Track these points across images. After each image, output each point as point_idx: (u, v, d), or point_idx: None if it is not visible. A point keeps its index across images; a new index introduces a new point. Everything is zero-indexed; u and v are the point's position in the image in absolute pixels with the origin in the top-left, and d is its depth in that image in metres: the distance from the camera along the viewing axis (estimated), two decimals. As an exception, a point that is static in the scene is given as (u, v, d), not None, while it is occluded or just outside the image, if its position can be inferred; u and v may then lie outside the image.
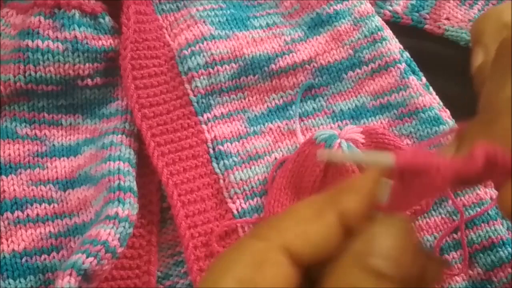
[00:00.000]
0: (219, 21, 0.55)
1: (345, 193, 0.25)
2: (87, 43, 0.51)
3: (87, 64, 0.51)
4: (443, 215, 0.48)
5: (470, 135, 0.26)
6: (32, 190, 0.49)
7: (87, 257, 0.41)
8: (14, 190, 0.48)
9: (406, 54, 0.54)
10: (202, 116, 0.52)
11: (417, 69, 0.54)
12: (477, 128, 0.25)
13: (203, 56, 0.52)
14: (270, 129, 0.52)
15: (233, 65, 0.53)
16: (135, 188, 0.47)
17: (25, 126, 0.51)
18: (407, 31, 0.59)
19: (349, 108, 0.53)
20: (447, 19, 0.59)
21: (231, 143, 0.51)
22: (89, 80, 0.52)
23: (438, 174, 0.24)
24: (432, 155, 0.25)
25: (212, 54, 0.52)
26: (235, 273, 0.23)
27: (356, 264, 0.23)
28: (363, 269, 0.22)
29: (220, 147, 0.50)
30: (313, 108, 0.53)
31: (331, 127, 0.52)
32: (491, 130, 0.25)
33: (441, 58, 0.58)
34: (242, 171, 0.50)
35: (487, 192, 0.48)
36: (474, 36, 0.33)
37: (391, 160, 0.25)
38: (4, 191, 0.48)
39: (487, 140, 0.24)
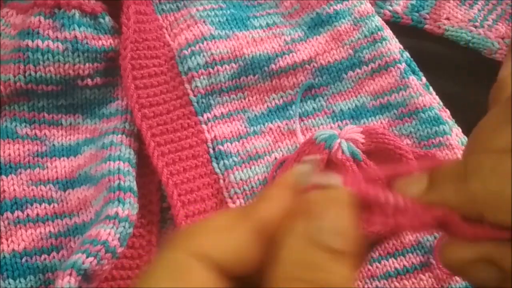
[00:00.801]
0: (219, 21, 0.55)
1: (259, 203, 0.25)
2: (87, 43, 0.51)
3: (87, 64, 0.51)
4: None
5: (442, 182, 0.25)
6: (32, 190, 0.49)
7: (87, 257, 0.41)
8: (14, 190, 0.48)
9: (406, 54, 0.54)
10: (202, 116, 0.52)
11: (417, 69, 0.54)
12: (450, 177, 0.25)
13: (203, 56, 0.52)
14: (270, 129, 0.52)
15: (233, 65, 0.53)
16: (135, 188, 0.47)
17: (25, 126, 0.51)
18: (407, 31, 0.59)
19: (349, 108, 0.53)
20: (447, 19, 0.59)
21: (231, 143, 0.51)
22: (89, 80, 0.52)
23: (392, 213, 0.24)
24: (384, 190, 0.25)
25: (212, 54, 0.52)
26: (159, 285, 0.23)
27: (309, 244, 0.22)
28: (317, 247, 0.22)
29: (220, 147, 0.50)
30: (313, 108, 0.53)
31: (331, 127, 0.52)
32: (460, 188, 0.24)
33: (441, 58, 0.58)
34: (242, 171, 0.50)
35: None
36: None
37: (340, 183, 0.24)
38: (4, 191, 0.48)
39: (455, 195, 0.24)
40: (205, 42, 0.53)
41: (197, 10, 0.56)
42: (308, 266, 0.22)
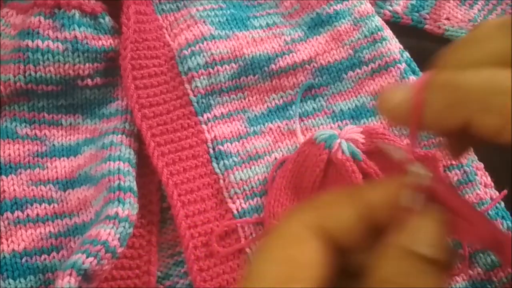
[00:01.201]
0: (219, 21, 0.55)
1: (371, 189, 0.27)
2: (87, 43, 0.51)
3: (87, 64, 0.51)
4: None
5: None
6: (32, 190, 0.49)
7: (87, 257, 0.41)
8: (14, 190, 0.48)
9: (406, 54, 0.54)
10: (202, 116, 0.52)
11: (417, 69, 0.54)
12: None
13: (203, 56, 0.52)
14: (270, 129, 0.52)
15: (233, 65, 0.53)
16: (135, 188, 0.47)
17: (25, 126, 0.51)
18: (407, 31, 0.59)
19: (349, 108, 0.53)
20: (447, 19, 0.59)
21: (231, 143, 0.51)
22: (89, 80, 0.52)
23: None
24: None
25: (212, 54, 0.52)
26: (273, 253, 0.25)
27: (406, 254, 0.24)
28: (414, 257, 0.24)
29: (220, 147, 0.50)
30: (313, 108, 0.53)
31: (331, 127, 0.52)
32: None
33: (441, 58, 0.58)
34: (242, 171, 0.50)
35: (487, 192, 0.48)
36: None
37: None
38: (4, 191, 0.48)
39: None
40: (205, 42, 0.53)
41: (197, 10, 0.56)
42: (404, 273, 0.24)
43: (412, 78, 0.52)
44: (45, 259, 0.46)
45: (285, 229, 0.26)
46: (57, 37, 0.51)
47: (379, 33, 0.54)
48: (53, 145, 0.51)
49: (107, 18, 0.53)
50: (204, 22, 0.54)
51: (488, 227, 0.26)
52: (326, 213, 0.26)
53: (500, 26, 0.26)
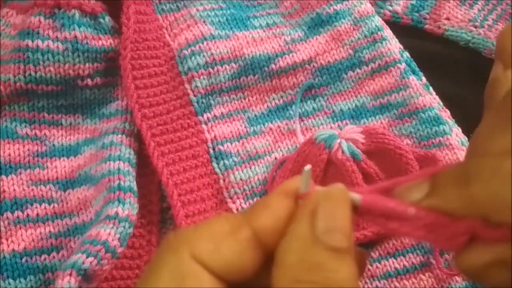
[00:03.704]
0: (219, 21, 0.55)
1: (259, 211, 0.25)
2: (87, 43, 0.51)
3: (87, 64, 0.51)
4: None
5: (443, 187, 0.25)
6: (32, 190, 0.49)
7: (87, 257, 0.41)
8: (14, 190, 0.48)
9: (406, 54, 0.54)
10: (202, 116, 0.52)
11: (417, 69, 0.54)
12: (451, 181, 0.25)
13: (203, 56, 0.52)
14: (270, 129, 0.52)
15: (233, 65, 0.53)
16: (135, 188, 0.47)
17: (25, 126, 0.51)
18: (407, 31, 0.59)
19: (349, 108, 0.53)
20: (447, 19, 0.59)
21: (231, 143, 0.51)
22: (89, 80, 0.52)
23: (408, 223, 0.24)
24: (400, 202, 0.25)
25: (212, 54, 0.52)
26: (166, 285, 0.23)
27: (309, 244, 0.23)
28: (318, 246, 0.23)
29: (220, 147, 0.50)
30: (313, 108, 0.53)
31: (331, 127, 0.52)
32: (462, 192, 0.24)
33: (441, 58, 0.58)
34: (242, 171, 0.50)
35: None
36: (497, 49, 0.32)
37: (359, 199, 0.25)
38: (4, 191, 0.48)
39: (457, 199, 0.24)
40: (205, 42, 0.53)
41: (197, 10, 0.56)
42: (312, 267, 0.23)
43: (412, 78, 0.52)
44: (45, 259, 0.46)
45: (165, 263, 0.24)
46: (57, 37, 0.51)
47: (379, 33, 0.54)
48: (53, 145, 0.51)
49: (107, 18, 0.53)
50: (204, 22, 0.54)
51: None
52: (207, 249, 0.24)
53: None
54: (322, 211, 0.24)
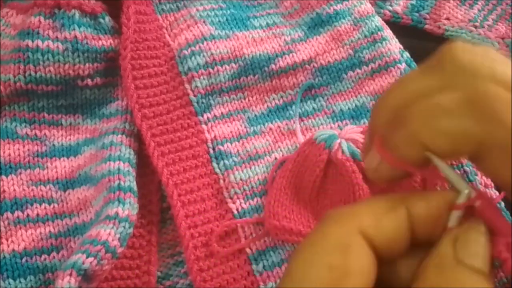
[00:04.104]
0: (219, 21, 0.55)
1: (418, 199, 0.27)
2: (87, 43, 0.51)
3: (87, 64, 0.51)
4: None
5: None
6: (32, 190, 0.49)
7: (87, 257, 0.41)
8: (14, 190, 0.48)
9: (406, 54, 0.54)
10: (202, 116, 0.52)
11: (417, 69, 0.54)
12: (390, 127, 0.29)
13: (203, 56, 0.52)
14: (270, 129, 0.52)
15: (233, 65, 0.53)
16: (135, 188, 0.47)
17: (25, 126, 0.51)
18: (407, 31, 0.59)
19: (349, 108, 0.53)
20: (447, 19, 0.59)
21: (231, 143, 0.51)
22: (89, 80, 0.52)
23: None
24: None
25: (212, 54, 0.52)
26: (324, 259, 0.24)
27: (459, 266, 0.24)
28: (467, 269, 0.24)
29: (220, 147, 0.50)
30: (313, 108, 0.53)
31: (331, 127, 0.52)
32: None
33: (441, 58, 0.58)
34: (242, 171, 0.50)
35: (487, 192, 0.48)
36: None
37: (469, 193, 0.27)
38: (4, 191, 0.48)
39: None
40: (205, 42, 0.53)
41: (197, 10, 0.56)
42: (453, 284, 0.24)
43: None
44: (45, 259, 0.46)
45: (329, 234, 0.25)
46: (57, 37, 0.51)
47: (379, 33, 0.54)
48: (53, 145, 0.51)
49: (107, 18, 0.53)
50: (204, 22, 0.54)
51: None
52: (370, 222, 0.26)
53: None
54: (466, 237, 0.25)
